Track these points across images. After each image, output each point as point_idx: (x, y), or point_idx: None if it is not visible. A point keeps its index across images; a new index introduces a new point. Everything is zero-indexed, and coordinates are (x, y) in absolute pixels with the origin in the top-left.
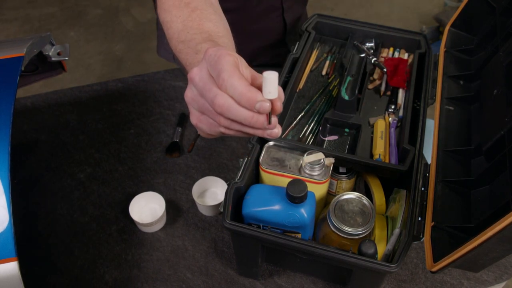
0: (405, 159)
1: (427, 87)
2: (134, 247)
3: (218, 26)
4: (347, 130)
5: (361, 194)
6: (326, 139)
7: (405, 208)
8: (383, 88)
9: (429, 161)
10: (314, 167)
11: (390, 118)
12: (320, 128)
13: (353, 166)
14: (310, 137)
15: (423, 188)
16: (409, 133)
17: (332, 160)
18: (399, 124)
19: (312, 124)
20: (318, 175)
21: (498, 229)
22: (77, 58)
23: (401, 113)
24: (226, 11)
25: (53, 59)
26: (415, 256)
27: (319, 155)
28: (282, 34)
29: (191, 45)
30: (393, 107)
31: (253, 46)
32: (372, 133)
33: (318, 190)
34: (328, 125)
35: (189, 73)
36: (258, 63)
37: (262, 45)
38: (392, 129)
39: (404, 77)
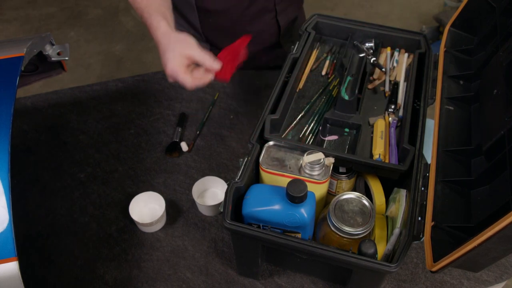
0: (405, 159)
1: (427, 87)
2: (134, 247)
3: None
4: (347, 130)
5: (361, 194)
6: (326, 139)
7: (405, 208)
8: (387, 89)
9: (429, 161)
10: (314, 167)
11: (390, 118)
12: (320, 128)
13: (353, 166)
14: (310, 137)
15: (423, 188)
16: (409, 133)
17: (332, 160)
18: (399, 124)
19: (312, 124)
20: (318, 175)
21: (498, 229)
22: (77, 58)
23: (401, 113)
24: (218, 12)
25: (53, 59)
26: (415, 256)
27: (319, 155)
28: (276, 36)
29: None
30: (393, 107)
31: (248, 49)
32: (372, 133)
33: (318, 190)
34: (328, 125)
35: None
36: (255, 65)
37: (257, 48)
38: (392, 129)
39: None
